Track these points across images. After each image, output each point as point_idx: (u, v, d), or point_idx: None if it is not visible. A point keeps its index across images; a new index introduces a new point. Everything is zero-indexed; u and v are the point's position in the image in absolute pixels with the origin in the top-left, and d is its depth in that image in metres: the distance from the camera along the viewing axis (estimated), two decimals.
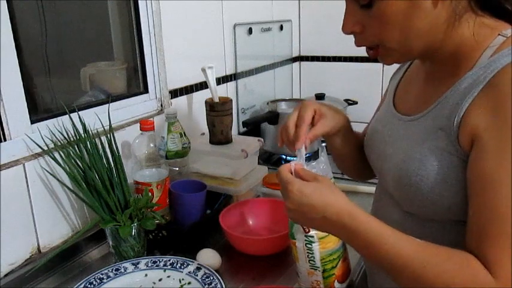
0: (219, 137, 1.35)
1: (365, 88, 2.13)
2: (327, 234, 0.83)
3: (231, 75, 1.78)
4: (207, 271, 0.97)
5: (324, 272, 0.86)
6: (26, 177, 1.01)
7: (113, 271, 0.99)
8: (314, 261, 0.85)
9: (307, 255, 0.85)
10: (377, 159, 0.85)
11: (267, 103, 1.85)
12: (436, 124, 0.70)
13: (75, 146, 1.06)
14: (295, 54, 2.28)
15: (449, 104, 0.68)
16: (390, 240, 0.64)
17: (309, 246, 0.84)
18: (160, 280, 0.98)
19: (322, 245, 0.84)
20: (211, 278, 0.95)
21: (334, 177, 0.86)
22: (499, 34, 0.68)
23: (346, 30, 0.73)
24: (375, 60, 0.77)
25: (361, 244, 0.67)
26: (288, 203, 0.70)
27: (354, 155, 0.96)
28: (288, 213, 0.72)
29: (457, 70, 0.70)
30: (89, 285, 0.94)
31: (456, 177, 0.67)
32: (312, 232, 0.83)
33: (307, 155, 0.81)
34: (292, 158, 1.78)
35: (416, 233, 0.66)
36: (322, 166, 0.81)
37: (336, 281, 0.87)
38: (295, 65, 2.31)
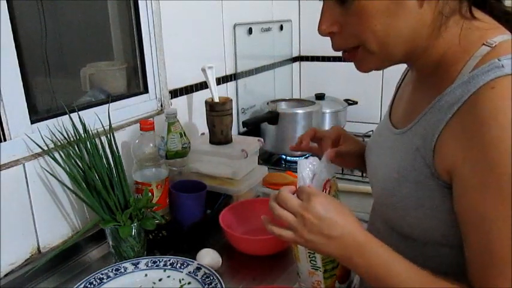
0: (219, 137, 1.35)
1: (365, 88, 2.13)
2: None
3: (231, 75, 1.78)
4: (207, 271, 0.97)
5: (325, 272, 0.85)
6: (26, 177, 1.01)
7: (113, 271, 0.99)
8: (315, 262, 0.85)
9: (309, 256, 0.85)
10: (369, 169, 0.83)
11: (267, 103, 1.85)
12: (414, 142, 0.66)
13: (75, 146, 1.06)
14: (295, 54, 2.28)
15: (426, 122, 0.65)
16: (401, 270, 0.63)
17: None
18: (160, 280, 0.98)
19: None
20: (211, 278, 0.95)
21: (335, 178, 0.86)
22: (483, 44, 0.61)
23: (323, 30, 0.67)
24: None
25: (373, 268, 0.64)
26: (309, 215, 0.66)
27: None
28: (304, 230, 0.66)
29: (439, 82, 0.65)
30: (89, 285, 0.94)
31: (432, 201, 0.64)
32: None
33: (307, 155, 0.81)
34: (291, 158, 1.79)
35: (397, 248, 0.65)
36: (324, 164, 0.81)
37: (336, 281, 0.87)
38: (295, 65, 2.31)
